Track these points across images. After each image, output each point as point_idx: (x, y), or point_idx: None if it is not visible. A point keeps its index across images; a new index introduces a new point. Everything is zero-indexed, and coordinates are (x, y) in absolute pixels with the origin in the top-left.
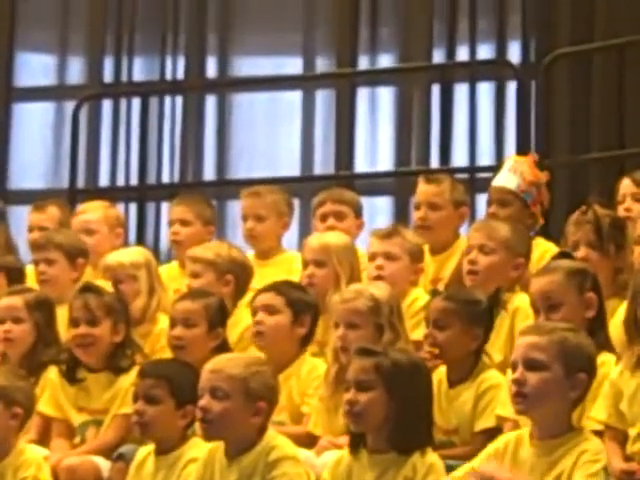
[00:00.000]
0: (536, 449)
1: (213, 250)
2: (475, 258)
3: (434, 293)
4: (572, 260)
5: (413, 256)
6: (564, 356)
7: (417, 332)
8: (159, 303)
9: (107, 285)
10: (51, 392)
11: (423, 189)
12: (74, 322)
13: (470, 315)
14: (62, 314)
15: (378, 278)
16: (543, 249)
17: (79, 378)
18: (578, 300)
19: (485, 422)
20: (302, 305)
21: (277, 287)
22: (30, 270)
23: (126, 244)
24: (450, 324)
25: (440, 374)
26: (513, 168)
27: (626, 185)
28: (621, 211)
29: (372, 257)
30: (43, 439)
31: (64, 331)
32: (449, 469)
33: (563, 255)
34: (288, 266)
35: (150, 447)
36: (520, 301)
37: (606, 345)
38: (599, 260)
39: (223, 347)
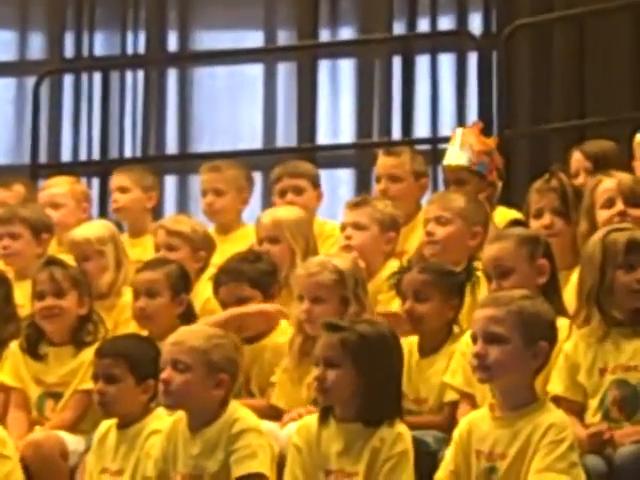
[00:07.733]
0: (498, 422)
1: (188, 224)
2: (432, 229)
3: (404, 267)
4: (524, 228)
5: (383, 225)
6: (523, 326)
7: (394, 304)
8: (126, 276)
9: (70, 260)
10: (12, 363)
11: (383, 162)
12: (39, 295)
13: (449, 286)
14: (24, 289)
15: (347, 248)
16: (506, 217)
17: (41, 354)
18: (529, 267)
19: (455, 394)
20: (267, 284)
21: (242, 276)
22: None
23: (89, 219)
24: (431, 296)
25: (411, 345)
26: (461, 142)
27: (577, 159)
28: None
29: (343, 227)
30: (3, 413)
31: (28, 306)
32: (416, 439)
33: (516, 223)
34: (248, 240)
35: (111, 421)
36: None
37: (560, 310)
38: (563, 227)
39: (189, 313)
